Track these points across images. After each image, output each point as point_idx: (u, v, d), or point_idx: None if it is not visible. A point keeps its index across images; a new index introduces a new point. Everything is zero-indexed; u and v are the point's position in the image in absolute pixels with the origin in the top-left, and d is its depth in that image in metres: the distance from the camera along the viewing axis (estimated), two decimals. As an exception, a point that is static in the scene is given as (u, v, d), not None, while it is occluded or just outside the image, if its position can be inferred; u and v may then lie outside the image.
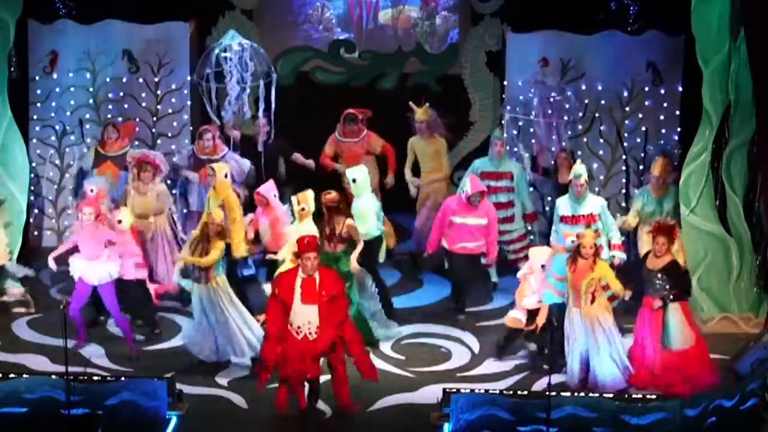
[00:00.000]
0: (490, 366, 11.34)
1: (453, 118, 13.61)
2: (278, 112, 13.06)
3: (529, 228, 13.13)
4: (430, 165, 13.45)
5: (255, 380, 10.32)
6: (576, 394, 10.11)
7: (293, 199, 11.52)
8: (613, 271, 10.71)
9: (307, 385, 10.15)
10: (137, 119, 13.81)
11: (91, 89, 13.83)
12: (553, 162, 13.27)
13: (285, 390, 10.08)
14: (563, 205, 11.79)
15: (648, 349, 10.74)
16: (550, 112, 13.41)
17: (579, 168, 11.75)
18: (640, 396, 10.35)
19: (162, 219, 12.29)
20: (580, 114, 13.71)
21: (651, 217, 12.11)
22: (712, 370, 10.78)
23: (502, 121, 13.96)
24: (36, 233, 13.91)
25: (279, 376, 10.06)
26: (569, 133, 13.57)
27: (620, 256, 11.62)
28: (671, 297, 10.63)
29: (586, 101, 13.70)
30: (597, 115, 13.73)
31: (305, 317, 9.88)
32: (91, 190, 11.79)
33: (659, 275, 10.64)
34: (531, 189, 13.43)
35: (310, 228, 11.18)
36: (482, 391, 10.18)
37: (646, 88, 13.66)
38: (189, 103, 13.81)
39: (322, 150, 13.48)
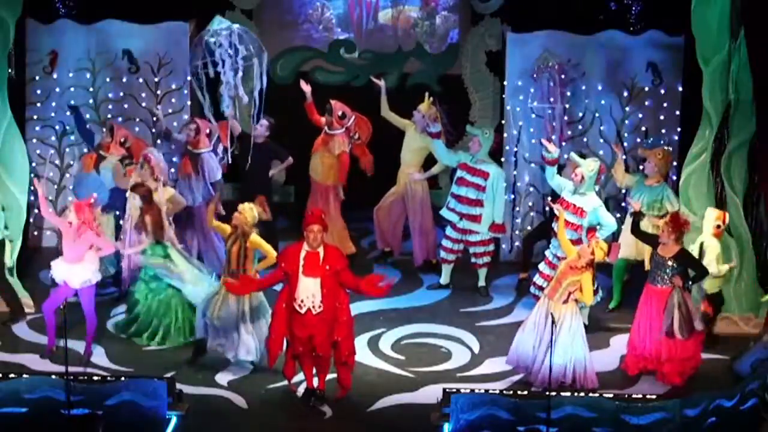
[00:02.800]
0: (490, 366, 11.35)
1: (451, 117, 13.57)
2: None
3: (492, 236, 12.91)
4: (410, 159, 13.35)
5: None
6: (576, 393, 10.12)
7: None
8: (591, 283, 10.74)
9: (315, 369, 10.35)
10: (137, 119, 13.82)
11: (91, 89, 13.83)
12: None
13: (293, 364, 10.31)
14: (567, 188, 11.83)
15: (645, 336, 10.92)
16: (551, 99, 13.37)
17: (580, 160, 11.82)
18: (640, 396, 10.38)
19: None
20: (580, 114, 13.71)
21: (651, 207, 12.20)
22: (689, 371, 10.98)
23: (503, 121, 13.95)
24: (36, 233, 13.91)
25: (288, 353, 10.26)
26: (569, 133, 13.57)
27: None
28: (691, 280, 10.90)
29: (586, 101, 13.70)
30: (597, 115, 13.73)
31: (308, 290, 9.96)
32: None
33: (671, 262, 10.80)
34: (531, 188, 13.48)
35: None
36: (482, 391, 10.19)
37: (646, 88, 13.65)
38: (189, 103, 13.81)
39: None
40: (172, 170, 13.33)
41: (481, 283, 13.02)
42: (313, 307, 9.98)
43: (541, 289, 11.76)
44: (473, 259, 12.96)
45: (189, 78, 13.70)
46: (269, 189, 13.28)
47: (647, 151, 12.58)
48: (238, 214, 10.88)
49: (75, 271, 11.05)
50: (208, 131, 12.95)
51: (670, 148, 13.06)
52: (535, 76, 13.37)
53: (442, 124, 12.92)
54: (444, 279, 13.12)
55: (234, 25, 12.33)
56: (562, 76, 13.33)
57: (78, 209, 11.05)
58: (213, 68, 12.18)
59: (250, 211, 10.87)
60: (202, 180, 12.95)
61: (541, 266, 12.06)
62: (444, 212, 12.86)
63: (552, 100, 13.31)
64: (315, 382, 10.43)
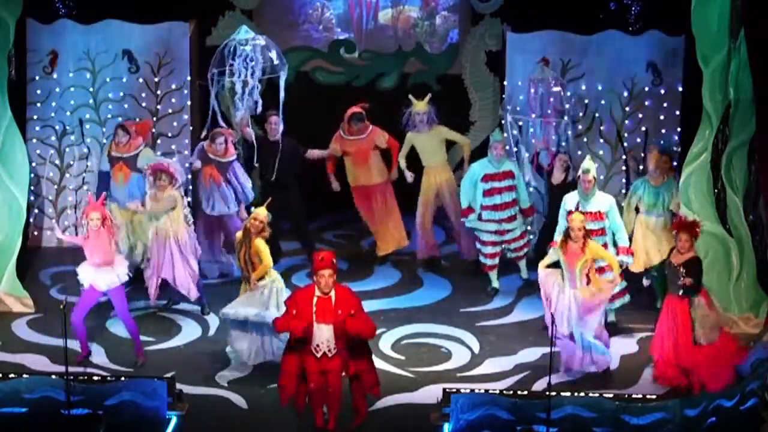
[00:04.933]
0: (490, 366, 11.36)
1: (451, 117, 13.61)
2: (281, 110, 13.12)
3: (525, 223, 13.10)
4: (434, 158, 13.43)
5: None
6: (576, 393, 10.12)
7: None
8: (606, 250, 10.94)
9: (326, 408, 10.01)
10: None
11: (91, 89, 13.83)
12: (549, 162, 13.22)
13: (303, 400, 9.97)
14: (570, 200, 11.69)
15: (669, 345, 10.89)
16: (549, 111, 13.41)
17: (587, 164, 11.71)
18: (640, 396, 10.38)
19: (176, 224, 12.05)
20: (580, 114, 13.71)
21: (654, 207, 12.16)
22: (727, 373, 10.79)
23: (502, 121, 13.94)
24: (36, 233, 13.91)
25: (301, 388, 9.91)
26: (569, 133, 13.56)
27: (627, 260, 11.52)
28: (684, 287, 10.81)
29: (586, 101, 13.70)
30: (597, 115, 13.73)
31: (323, 336, 9.65)
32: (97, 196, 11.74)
33: (681, 269, 10.80)
34: (531, 189, 13.47)
35: None
36: (482, 391, 10.19)
37: (646, 88, 13.65)
38: (189, 103, 13.81)
39: (328, 157, 13.46)
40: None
41: (524, 275, 13.12)
42: (329, 350, 9.70)
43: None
44: (511, 254, 13.04)
45: (189, 78, 13.71)
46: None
47: (654, 154, 12.48)
48: (253, 219, 10.90)
49: (101, 275, 11.00)
50: (232, 139, 12.96)
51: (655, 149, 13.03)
52: (532, 89, 13.38)
53: (432, 118, 13.26)
54: (495, 282, 13.08)
55: (259, 36, 12.41)
56: (553, 95, 13.34)
57: (96, 209, 10.94)
58: (238, 77, 12.34)
59: (262, 211, 10.91)
60: (231, 188, 12.93)
61: None
62: (478, 225, 12.80)
63: (549, 112, 13.31)
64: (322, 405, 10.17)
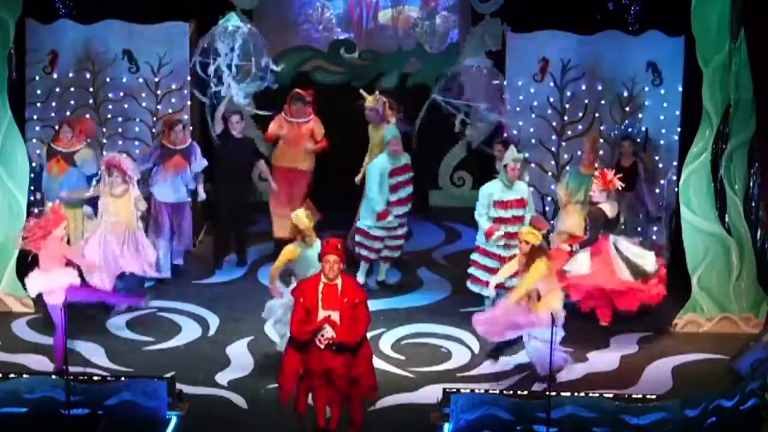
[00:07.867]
0: (490, 366, 11.36)
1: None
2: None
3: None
4: (377, 152, 13.39)
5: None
6: (576, 393, 10.12)
7: None
8: (536, 276, 10.83)
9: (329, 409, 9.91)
10: (137, 119, 13.82)
11: (91, 89, 13.83)
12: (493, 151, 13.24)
13: (306, 399, 9.88)
14: (497, 191, 12.02)
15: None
16: (549, 112, 13.44)
17: (515, 153, 12.06)
18: (640, 396, 10.38)
19: (130, 216, 12.18)
20: (580, 114, 13.71)
21: (577, 192, 12.62)
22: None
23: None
24: (36, 233, 13.90)
25: (302, 387, 9.84)
26: (568, 133, 13.58)
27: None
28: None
29: (586, 101, 13.69)
30: (597, 115, 13.73)
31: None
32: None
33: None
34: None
35: None
36: (482, 391, 10.19)
37: (646, 88, 13.65)
38: (189, 103, 13.80)
39: (266, 135, 13.67)
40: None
41: (382, 277, 13.15)
42: (331, 338, 9.56)
43: (478, 281, 12.02)
44: (389, 253, 13.02)
45: (189, 78, 13.71)
46: (249, 184, 13.40)
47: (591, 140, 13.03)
48: (295, 226, 10.86)
49: (57, 278, 10.93)
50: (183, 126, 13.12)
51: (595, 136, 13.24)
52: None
53: (385, 113, 13.25)
54: (362, 277, 12.96)
55: (246, 25, 12.56)
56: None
57: (63, 218, 11.03)
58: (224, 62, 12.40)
59: (303, 215, 10.86)
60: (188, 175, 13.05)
61: (475, 256, 12.28)
62: (383, 223, 12.77)
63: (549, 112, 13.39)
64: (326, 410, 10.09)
